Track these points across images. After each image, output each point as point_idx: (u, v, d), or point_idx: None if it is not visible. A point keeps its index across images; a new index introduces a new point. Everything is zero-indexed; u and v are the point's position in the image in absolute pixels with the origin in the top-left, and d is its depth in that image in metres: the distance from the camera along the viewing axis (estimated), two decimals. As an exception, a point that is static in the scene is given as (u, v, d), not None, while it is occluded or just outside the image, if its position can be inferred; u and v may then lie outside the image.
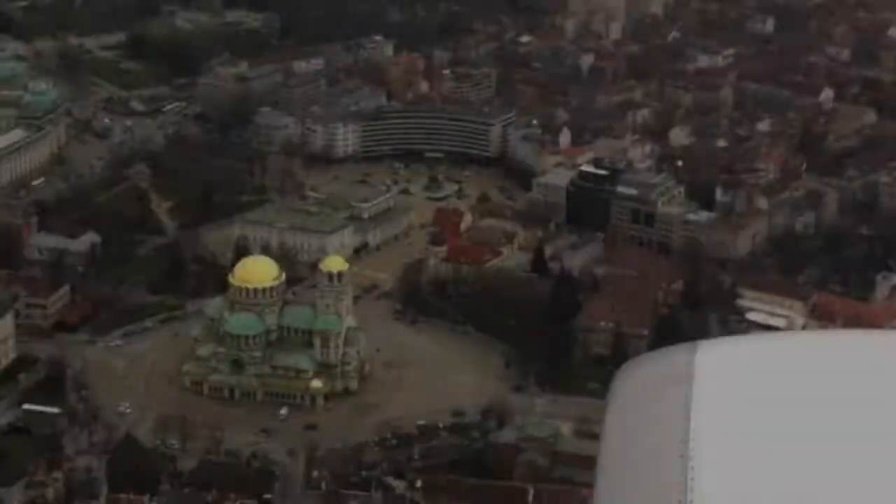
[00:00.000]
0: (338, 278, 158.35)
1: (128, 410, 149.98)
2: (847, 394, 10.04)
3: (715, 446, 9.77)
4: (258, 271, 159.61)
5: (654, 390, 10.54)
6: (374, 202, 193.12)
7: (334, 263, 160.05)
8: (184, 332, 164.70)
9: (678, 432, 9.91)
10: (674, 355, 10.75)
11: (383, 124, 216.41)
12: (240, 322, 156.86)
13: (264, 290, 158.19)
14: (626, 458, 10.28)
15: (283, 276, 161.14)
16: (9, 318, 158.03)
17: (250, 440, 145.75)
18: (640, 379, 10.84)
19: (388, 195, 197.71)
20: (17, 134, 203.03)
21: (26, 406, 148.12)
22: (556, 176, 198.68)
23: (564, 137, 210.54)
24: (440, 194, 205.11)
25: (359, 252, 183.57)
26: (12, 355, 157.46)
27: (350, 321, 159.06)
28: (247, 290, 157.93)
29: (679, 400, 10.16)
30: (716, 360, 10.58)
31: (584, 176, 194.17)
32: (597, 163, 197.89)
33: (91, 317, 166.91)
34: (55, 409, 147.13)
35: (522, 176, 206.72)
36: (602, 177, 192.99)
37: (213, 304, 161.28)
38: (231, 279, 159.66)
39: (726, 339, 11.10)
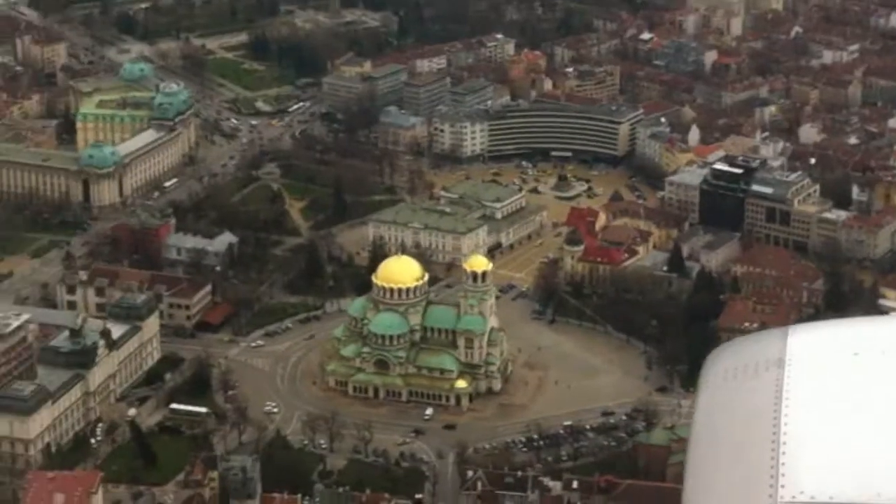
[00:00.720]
0: (481, 278, 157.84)
1: (275, 410, 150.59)
2: None
3: (806, 430, 9.73)
4: (402, 271, 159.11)
5: (745, 374, 10.57)
6: (507, 202, 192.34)
7: (478, 263, 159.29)
8: (322, 332, 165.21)
9: (769, 416, 9.92)
10: (765, 339, 10.89)
11: (510, 123, 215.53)
12: (384, 322, 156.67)
13: (408, 289, 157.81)
14: (718, 441, 10.26)
15: (426, 276, 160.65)
16: (154, 318, 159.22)
17: (398, 440, 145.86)
18: (732, 363, 10.87)
19: (520, 195, 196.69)
20: (150, 135, 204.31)
21: (174, 406, 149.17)
22: (688, 174, 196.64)
23: (693, 135, 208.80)
24: (570, 193, 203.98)
25: (492, 252, 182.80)
26: (158, 355, 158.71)
27: (493, 322, 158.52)
28: (390, 289, 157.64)
29: (771, 384, 10.19)
30: (807, 344, 10.58)
31: (717, 174, 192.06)
32: (729, 161, 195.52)
33: (232, 317, 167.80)
34: (203, 409, 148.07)
35: (651, 174, 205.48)
36: (736, 175, 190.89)
37: (356, 304, 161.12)
38: (374, 279, 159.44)
39: (817, 324, 11.09)
